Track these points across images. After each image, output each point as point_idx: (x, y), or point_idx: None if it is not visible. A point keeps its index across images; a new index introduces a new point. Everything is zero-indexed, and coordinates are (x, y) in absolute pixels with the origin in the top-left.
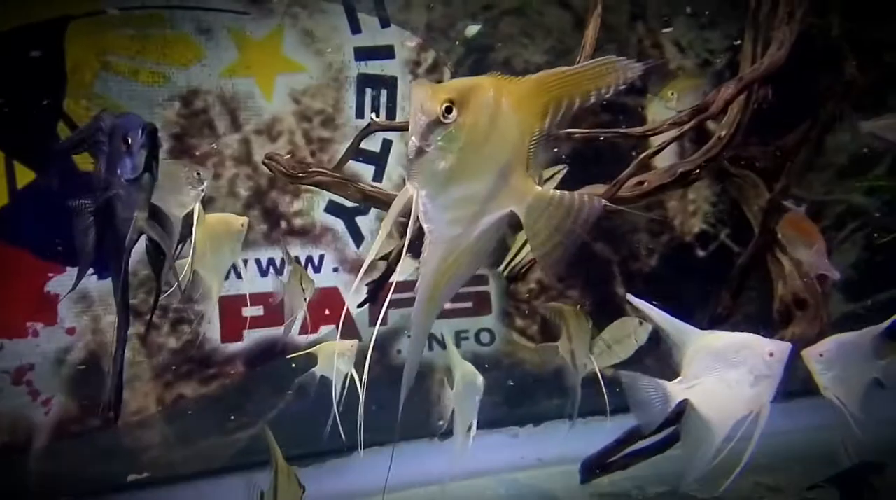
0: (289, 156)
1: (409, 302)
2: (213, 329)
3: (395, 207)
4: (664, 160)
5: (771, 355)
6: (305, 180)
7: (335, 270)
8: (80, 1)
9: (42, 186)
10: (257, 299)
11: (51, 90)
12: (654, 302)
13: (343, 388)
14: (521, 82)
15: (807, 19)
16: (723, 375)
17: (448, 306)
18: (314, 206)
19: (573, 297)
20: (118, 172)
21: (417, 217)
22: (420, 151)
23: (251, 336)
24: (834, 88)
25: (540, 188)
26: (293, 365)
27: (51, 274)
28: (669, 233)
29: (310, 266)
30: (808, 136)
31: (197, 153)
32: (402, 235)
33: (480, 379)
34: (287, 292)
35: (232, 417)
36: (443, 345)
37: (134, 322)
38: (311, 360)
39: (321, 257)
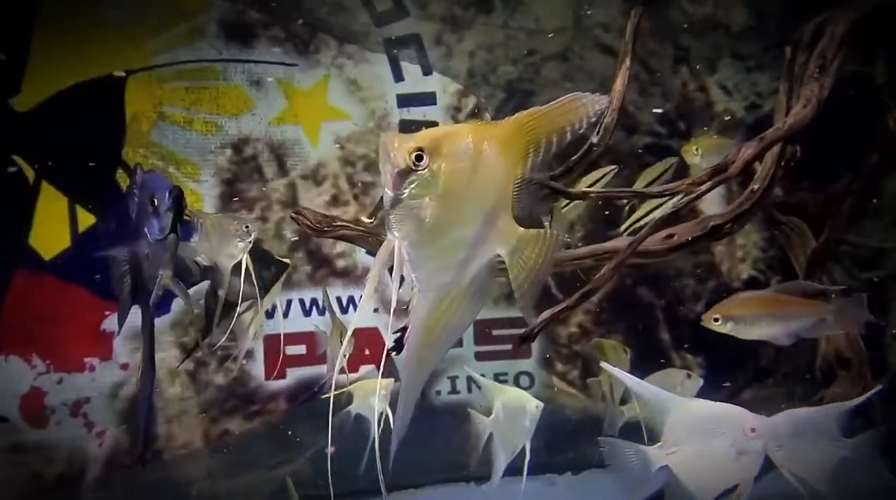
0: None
1: None
2: (256, 367)
3: (380, 259)
4: (711, 204)
5: (752, 431)
6: (330, 234)
7: (375, 310)
8: (139, 57)
9: (101, 229)
10: (300, 338)
11: (111, 140)
12: (697, 350)
13: (379, 426)
14: (502, 126)
15: (848, 68)
16: (705, 444)
17: (486, 348)
18: (356, 248)
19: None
20: (145, 230)
21: (402, 267)
22: (395, 202)
23: (294, 374)
24: (879, 136)
25: (522, 230)
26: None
27: (107, 312)
28: (716, 278)
29: (351, 306)
30: (851, 187)
31: (244, 198)
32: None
33: (535, 403)
34: (329, 346)
35: (274, 452)
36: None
37: (185, 359)
38: (349, 398)
39: (361, 298)
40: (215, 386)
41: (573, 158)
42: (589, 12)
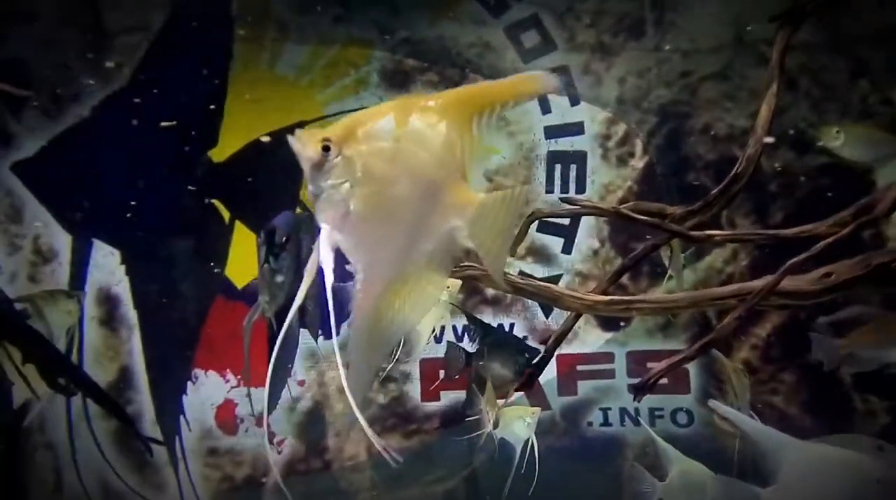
0: None
1: (598, 374)
2: (414, 389)
3: (317, 250)
4: None
5: (878, 482)
6: (457, 275)
7: (524, 338)
8: (312, 108)
9: None
10: None
11: (291, 182)
12: (884, 392)
13: (524, 453)
14: (437, 97)
15: None
16: (822, 491)
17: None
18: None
19: (786, 381)
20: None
21: (328, 253)
22: (316, 194)
23: (447, 397)
24: None
25: (482, 196)
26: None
27: None
28: None
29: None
30: None
31: None
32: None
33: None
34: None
35: (429, 470)
36: (635, 421)
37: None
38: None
39: (511, 326)
40: (377, 405)
41: (713, 192)
42: (749, 28)
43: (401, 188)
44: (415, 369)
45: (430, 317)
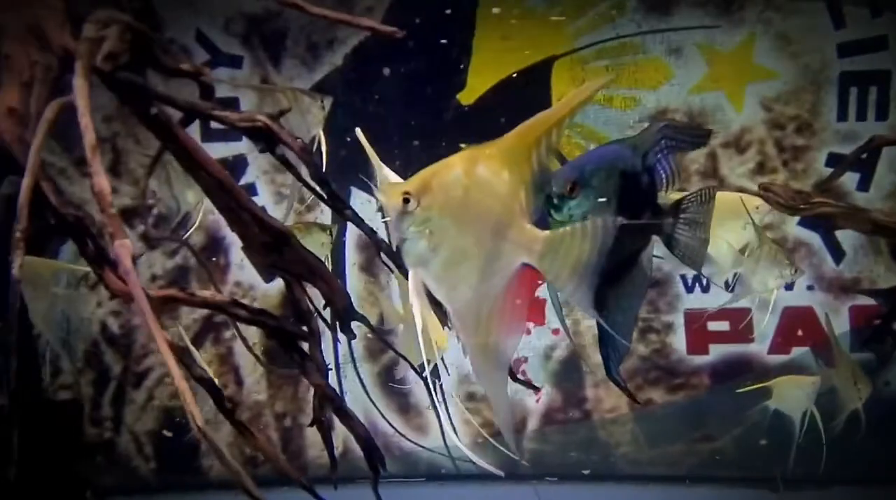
0: (783, 185)
1: None
2: (678, 340)
3: (413, 293)
4: None
5: None
6: (807, 212)
7: (809, 288)
8: (563, 41)
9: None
10: (722, 313)
11: None
12: None
13: (802, 425)
14: (496, 143)
15: None
16: None
17: None
18: (784, 220)
19: None
20: None
21: (426, 297)
22: (400, 242)
23: (716, 351)
24: None
25: (546, 233)
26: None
27: (539, 281)
28: None
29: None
30: None
31: None
32: None
33: None
34: None
35: (696, 427)
36: None
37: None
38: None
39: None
40: (637, 356)
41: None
42: None
43: (473, 232)
44: (677, 320)
45: None
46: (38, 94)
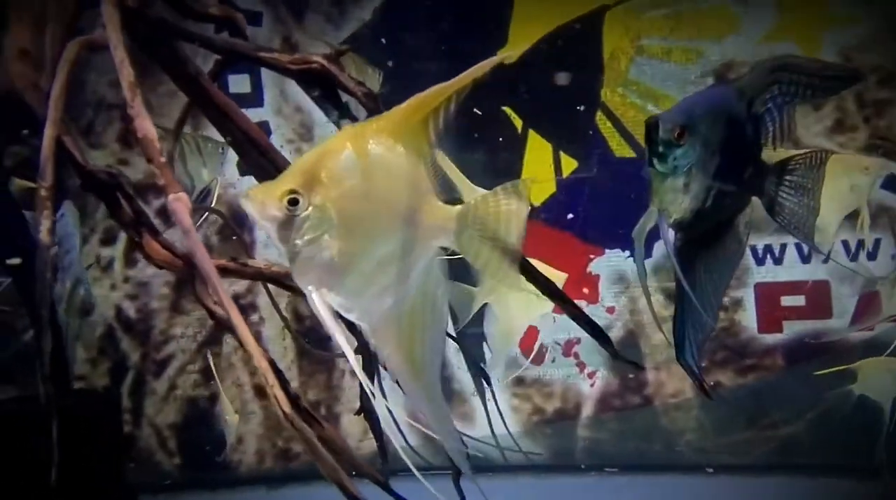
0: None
1: None
2: (748, 317)
3: (324, 320)
4: None
5: None
6: None
7: (894, 257)
8: None
9: (583, 174)
10: (797, 287)
11: (590, 82)
12: None
13: (893, 411)
14: (385, 117)
15: None
16: None
17: None
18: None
19: None
20: None
21: (330, 315)
22: (293, 255)
23: (791, 328)
24: None
25: (455, 208)
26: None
27: (592, 256)
28: None
29: (861, 252)
30: None
31: None
32: None
33: None
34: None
35: (768, 411)
36: None
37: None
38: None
39: (876, 242)
40: None
41: None
42: None
43: (382, 224)
44: (748, 295)
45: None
46: (54, 33)
